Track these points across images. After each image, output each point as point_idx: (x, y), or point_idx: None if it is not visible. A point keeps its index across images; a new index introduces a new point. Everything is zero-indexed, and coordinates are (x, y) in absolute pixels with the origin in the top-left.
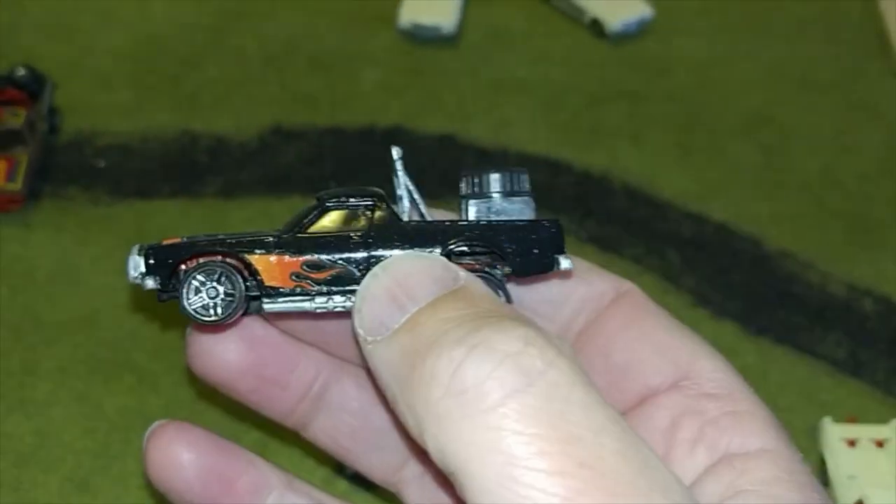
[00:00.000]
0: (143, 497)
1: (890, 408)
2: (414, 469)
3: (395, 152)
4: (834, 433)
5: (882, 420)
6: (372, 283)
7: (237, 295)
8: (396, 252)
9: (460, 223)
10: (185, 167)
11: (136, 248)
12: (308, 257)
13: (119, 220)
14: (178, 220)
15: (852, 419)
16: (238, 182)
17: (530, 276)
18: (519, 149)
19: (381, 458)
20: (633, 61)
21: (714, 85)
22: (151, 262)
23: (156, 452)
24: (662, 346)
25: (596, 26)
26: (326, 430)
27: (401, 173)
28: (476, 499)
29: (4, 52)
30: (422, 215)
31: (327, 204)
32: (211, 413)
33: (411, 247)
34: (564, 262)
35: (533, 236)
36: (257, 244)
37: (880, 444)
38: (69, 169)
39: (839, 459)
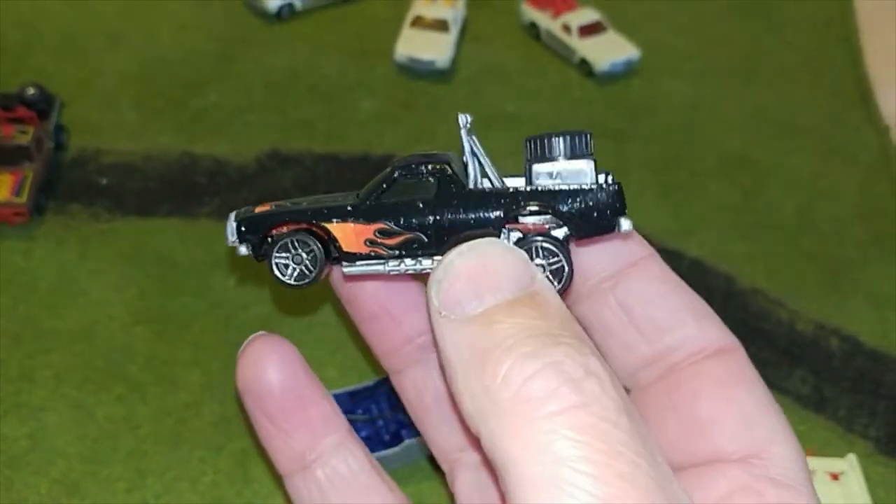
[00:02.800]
0: (129, 501)
1: (849, 443)
2: (471, 457)
3: (462, 119)
4: None
5: (840, 455)
6: (457, 260)
7: (319, 260)
8: (461, 217)
9: (522, 190)
10: (184, 187)
11: (233, 215)
12: (379, 225)
13: (118, 236)
14: (175, 239)
15: (809, 452)
16: (234, 204)
17: (591, 237)
18: None
19: (450, 433)
20: (620, 101)
21: (697, 126)
22: (243, 229)
23: (248, 357)
24: (747, 418)
25: (585, 66)
26: (417, 383)
27: (466, 140)
28: (521, 491)
29: (16, 72)
30: (490, 180)
31: (396, 174)
32: (196, 421)
33: (473, 213)
34: (625, 224)
35: (592, 199)
36: (336, 213)
37: (835, 476)
38: (73, 185)
39: None
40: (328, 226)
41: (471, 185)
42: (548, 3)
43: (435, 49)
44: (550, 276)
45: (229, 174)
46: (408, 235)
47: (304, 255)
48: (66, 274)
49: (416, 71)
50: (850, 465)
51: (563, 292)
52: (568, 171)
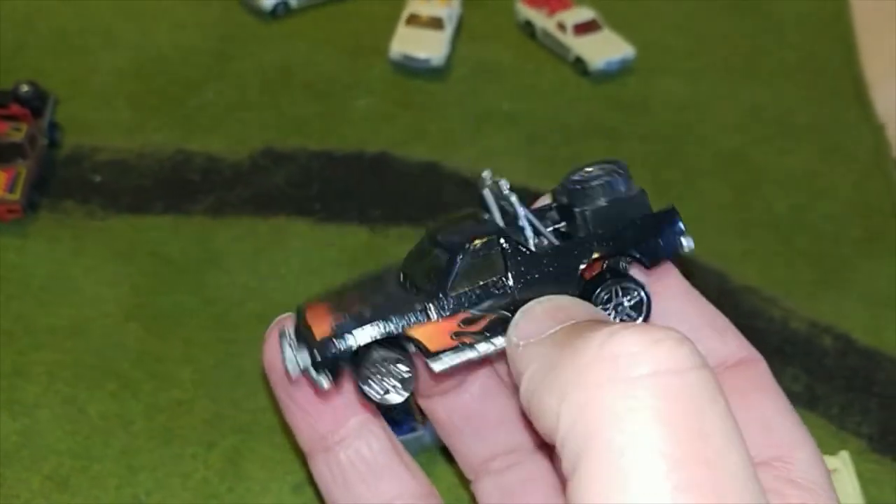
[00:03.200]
0: (120, 497)
1: (841, 441)
2: (498, 464)
3: (505, 186)
4: None
5: (832, 452)
6: (535, 305)
7: (411, 373)
8: (538, 281)
9: (586, 239)
10: (177, 185)
11: (289, 340)
12: (462, 315)
13: (112, 233)
14: (168, 236)
15: None
16: (227, 201)
17: (659, 264)
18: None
19: (478, 446)
20: (614, 99)
21: (691, 125)
22: (319, 361)
23: (270, 340)
24: (770, 425)
25: (580, 64)
26: (447, 404)
27: (516, 202)
28: (596, 463)
29: (10, 69)
30: (544, 237)
31: (460, 257)
32: (189, 418)
33: (552, 276)
34: (687, 243)
35: (654, 228)
36: (412, 318)
37: None
38: (67, 182)
39: None
40: (410, 333)
41: (531, 247)
42: (543, 1)
43: (430, 47)
44: (631, 311)
45: (223, 171)
46: (492, 317)
47: (394, 372)
48: (60, 271)
49: (412, 69)
50: (842, 462)
51: (647, 321)
52: (617, 209)
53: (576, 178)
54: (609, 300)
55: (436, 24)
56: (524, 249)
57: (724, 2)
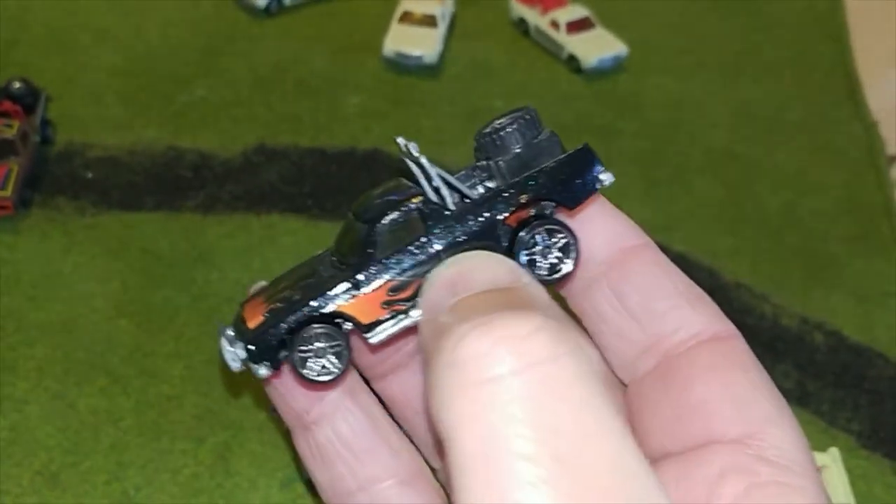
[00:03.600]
0: (109, 493)
1: (831, 437)
2: None
3: (414, 148)
4: None
5: (823, 449)
6: (436, 272)
7: (343, 346)
8: (460, 237)
9: (503, 189)
10: (169, 181)
11: (225, 335)
12: (389, 284)
13: (103, 229)
14: (159, 233)
15: None
16: (218, 197)
17: (582, 203)
18: None
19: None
20: (607, 96)
21: (683, 122)
22: (254, 350)
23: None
24: (742, 400)
25: (573, 62)
26: (403, 386)
27: (426, 163)
28: (457, 465)
29: (3, 66)
30: (462, 194)
31: (377, 226)
32: (178, 413)
33: (470, 228)
34: (605, 178)
35: (570, 169)
36: (340, 293)
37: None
38: (59, 179)
39: None
40: (339, 310)
41: (450, 205)
42: None
43: (423, 44)
44: (561, 255)
45: (214, 168)
46: (419, 281)
47: (326, 349)
48: (51, 267)
49: (405, 66)
50: (832, 458)
51: (577, 264)
52: (532, 154)
53: (486, 130)
54: (535, 244)
55: (429, 21)
56: (443, 209)
57: (716, 0)
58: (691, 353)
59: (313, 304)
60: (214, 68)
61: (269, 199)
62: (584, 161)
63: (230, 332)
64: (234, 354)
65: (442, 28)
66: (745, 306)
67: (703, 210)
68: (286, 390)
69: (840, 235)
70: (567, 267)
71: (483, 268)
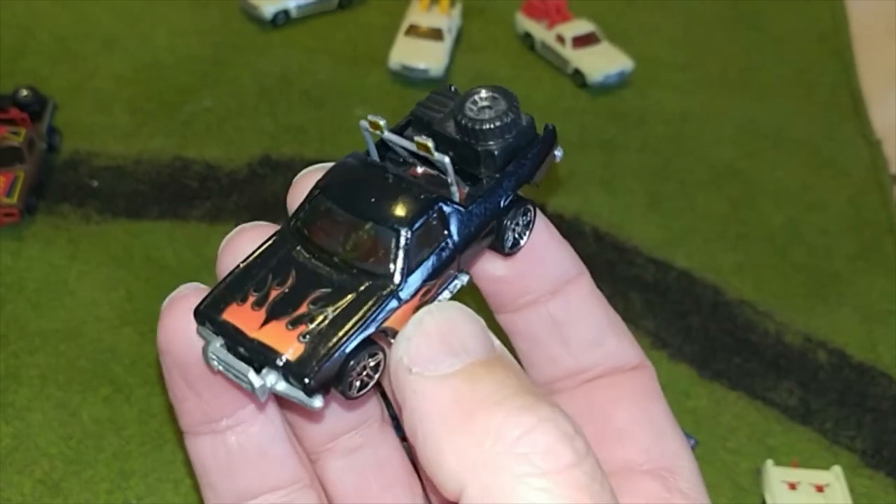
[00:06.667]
0: (111, 502)
1: (834, 455)
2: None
3: (382, 120)
4: (776, 475)
5: (826, 467)
6: (426, 319)
7: (382, 356)
8: (473, 233)
9: (502, 179)
10: (174, 191)
11: (224, 359)
12: (421, 289)
13: (108, 238)
14: (164, 241)
15: (794, 463)
16: (224, 208)
17: (543, 172)
18: None
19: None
20: (612, 111)
21: (688, 137)
22: (311, 385)
23: (175, 315)
24: (661, 433)
25: (578, 76)
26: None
27: (447, 162)
28: None
29: (10, 74)
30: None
31: (407, 233)
32: None
33: (482, 224)
34: (559, 153)
35: (543, 152)
36: (386, 311)
37: (820, 488)
38: (64, 187)
39: (779, 501)
40: (386, 325)
41: (455, 198)
42: (543, 13)
43: (429, 57)
44: (524, 229)
45: (220, 179)
46: (443, 279)
47: (369, 365)
48: (55, 274)
49: (410, 79)
50: (835, 476)
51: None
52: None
53: (470, 114)
54: (517, 224)
55: (435, 34)
56: (460, 209)
57: (721, 16)
58: (614, 380)
59: (365, 329)
60: (221, 79)
61: (274, 209)
62: (552, 141)
63: (230, 351)
64: (261, 383)
65: (448, 41)
66: (749, 323)
67: (706, 226)
68: (211, 396)
69: (844, 253)
70: (524, 241)
71: (471, 328)
